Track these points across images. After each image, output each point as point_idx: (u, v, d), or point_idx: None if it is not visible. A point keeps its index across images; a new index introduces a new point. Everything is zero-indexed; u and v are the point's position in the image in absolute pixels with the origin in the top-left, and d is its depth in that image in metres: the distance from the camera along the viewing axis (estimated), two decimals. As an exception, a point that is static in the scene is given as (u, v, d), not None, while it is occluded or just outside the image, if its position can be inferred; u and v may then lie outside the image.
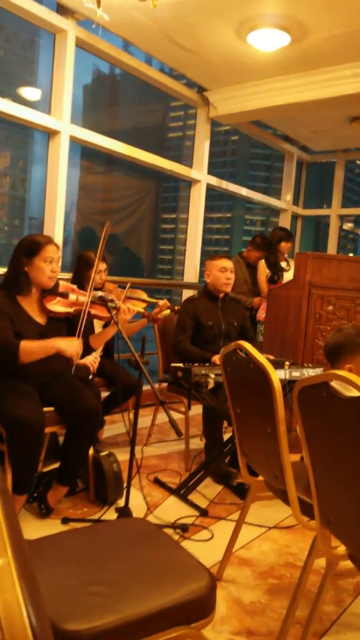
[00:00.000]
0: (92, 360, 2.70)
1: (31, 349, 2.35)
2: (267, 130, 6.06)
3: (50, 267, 2.48)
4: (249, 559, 2.30)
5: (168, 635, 1.20)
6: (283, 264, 4.61)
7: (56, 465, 2.60)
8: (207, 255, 3.56)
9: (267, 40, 3.68)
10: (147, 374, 2.21)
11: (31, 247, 2.46)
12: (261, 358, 1.74)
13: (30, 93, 6.11)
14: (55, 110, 3.81)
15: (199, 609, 1.28)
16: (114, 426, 3.84)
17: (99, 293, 2.52)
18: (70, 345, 2.41)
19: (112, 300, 2.48)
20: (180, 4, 3.39)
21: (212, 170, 5.32)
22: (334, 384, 1.36)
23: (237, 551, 2.32)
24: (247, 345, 1.82)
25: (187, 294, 5.11)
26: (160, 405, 2.15)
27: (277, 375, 1.71)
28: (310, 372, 2.82)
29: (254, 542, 2.43)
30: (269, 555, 2.34)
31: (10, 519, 0.69)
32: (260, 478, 2.05)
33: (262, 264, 4.59)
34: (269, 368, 1.70)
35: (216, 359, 3.00)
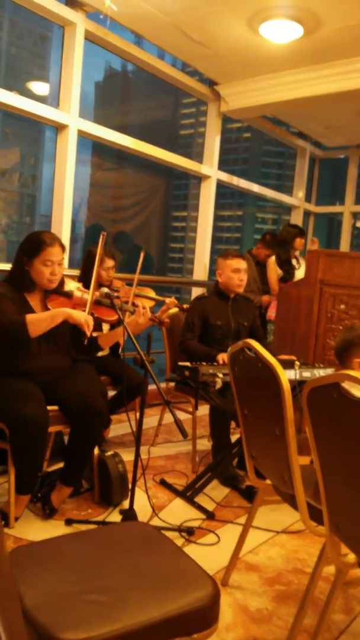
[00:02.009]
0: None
1: (37, 319, 2.29)
2: (279, 126, 5.97)
3: (49, 269, 2.39)
4: (256, 564, 2.23)
5: (168, 648, 1.15)
6: (293, 262, 4.53)
7: (61, 465, 2.55)
8: (218, 253, 3.48)
9: (280, 32, 3.60)
10: (153, 373, 2.15)
11: (32, 247, 2.39)
12: (269, 357, 1.67)
13: (41, 88, 6.08)
14: (64, 104, 3.76)
15: (202, 619, 1.22)
16: (120, 425, 3.79)
17: (105, 289, 2.46)
18: (79, 314, 2.34)
19: (118, 297, 2.42)
20: (190, -5, 3.32)
21: (223, 167, 5.25)
22: (345, 384, 1.30)
23: (243, 556, 2.26)
24: (255, 344, 1.75)
25: (196, 291, 5.05)
26: (165, 405, 2.09)
27: (286, 375, 1.64)
28: (321, 373, 2.74)
29: (261, 547, 2.37)
30: (277, 560, 2.28)
31: None
32: (268, 481, 1.98)
33: (272, 261, 4.51)
34: (278, 368, 1.63)
35: (220, 357, 2.93)
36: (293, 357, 2.99)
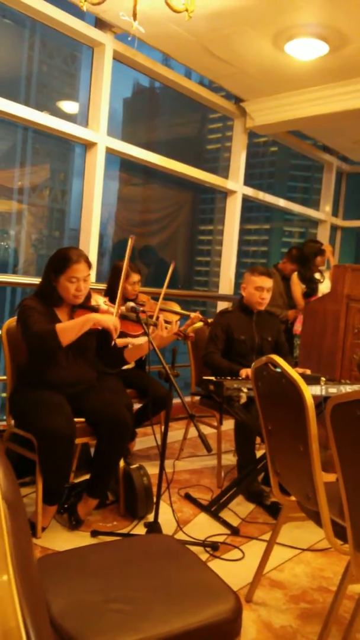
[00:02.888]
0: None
1: (67, 327, 2.34)
2: (305, 140, 5.99)
3: (74, 286, 2.45)
4: (281, 581, 2.22)
5: (190, 661, 1.16)
6: (317, 276, 4.53)
7: (87, 476, 2.58)
8: (245, 267, 3.49)
9: (305, 50, 3.64)
10: (177, 387, 2.17)
11: (59, 263, 2.45)
12: (293, 373, 1.68)
13: (71, 106, 6.24)
14: (93, 123, 3.86)
15: (224, 632, 1.23)
16: (146, 438, 3.81)
17: (131, 304, 2.50)
18: (107, 317, 2.40)
19: (144, 311, 2.46)
20: (216, 16, 3.39)
21: (250, 182, 5.29)
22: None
23: (268, 573, 2.25)
24: (279, 360, 1.76)
25: (221, 305, 5.07)
26: (190, 419, 2.11)
27: (309, 391, 1.65)
28: (348, 389, 2.73)
29: (286, 564, 2.35)
30: (302, 578, 2.26)
31: (17, 535, 0.67)
32: (293, 498, 1.98)
33: (295, 277, 4.52)
34: (301, 383, 1.64)
35: (244, 372, 2.93)
36: (307, 371, 2.98)
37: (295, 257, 4.71)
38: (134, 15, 2.71)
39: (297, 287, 4.49)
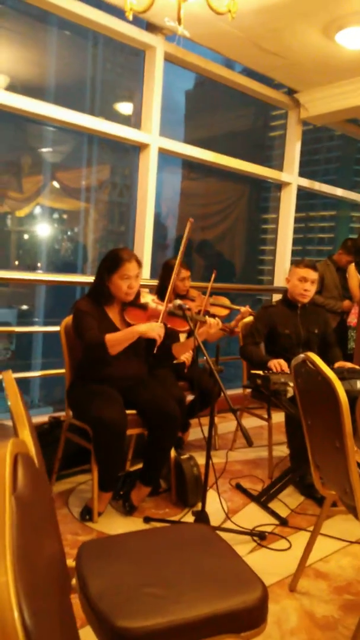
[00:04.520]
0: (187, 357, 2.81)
1: (115, 339, 2.50)
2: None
3: (127, 283, 2.59)
4: (326, 572, 2.26)
5: (216, 642, 1.24)
6: None
7: (141, 465, 2.72)
8: (310, 256, 3.48)
9: (357, 38, 3.56)
10: (220, 382, 2.25)
11: (112, 263, 2.60)
12: (327, 370, 1.72)
13: (129, 107, 6.38)
14: (145, 124, 3.96)
15: (250, 619, 1.30)
16: (199, 429, 3.90)
17: (178, 301, 2.60)
18: (151, 328, 2.52)
19: (189, 309, 2.55)
20: (264, 11, 3.38)
21: (314, 168, 5.24)
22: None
23: (314, 564, 2.29)
24: (314, 357, 1.80)
25: (278, 298, 5.05)
26: (232, 413, 2.17)
27: (343, 388, 1.68)
28: None
29: (333, 556, 2.38)
30: (347, 570, 2.29)
31: (24, 532, 0.72)
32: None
33: (352, 268, 4.43)
34: (335, 381, 1.68)
35: (272, 363, 2.94)
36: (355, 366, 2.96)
37: (351, 249, 4.62)
38: (179, 20, 2.78)
39: (354, 279, 4.41)
